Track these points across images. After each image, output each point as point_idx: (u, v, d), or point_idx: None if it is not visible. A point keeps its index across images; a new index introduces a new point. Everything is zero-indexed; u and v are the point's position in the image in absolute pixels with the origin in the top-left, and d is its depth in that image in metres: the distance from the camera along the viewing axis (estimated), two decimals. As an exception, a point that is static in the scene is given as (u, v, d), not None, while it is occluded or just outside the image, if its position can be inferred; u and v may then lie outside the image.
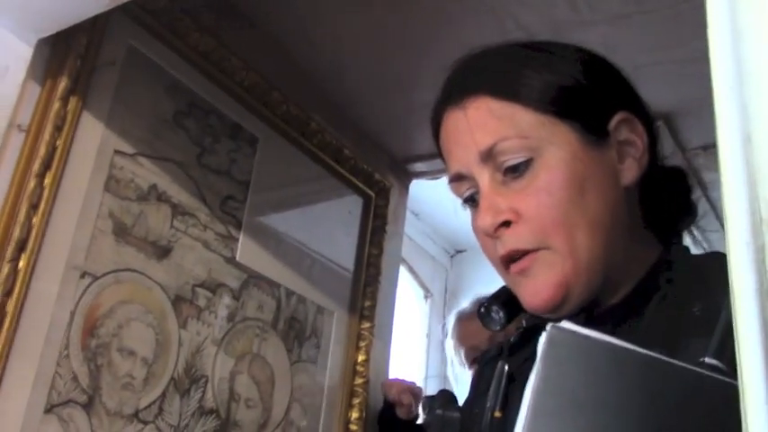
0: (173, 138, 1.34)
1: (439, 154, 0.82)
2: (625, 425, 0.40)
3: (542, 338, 0.43)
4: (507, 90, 0.71)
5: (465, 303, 1.97)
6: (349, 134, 1.78)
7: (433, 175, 2.02)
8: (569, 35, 0.87)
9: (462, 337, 1.90)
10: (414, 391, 1.71)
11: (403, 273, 2.54)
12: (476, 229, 0.75)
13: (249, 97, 1.50)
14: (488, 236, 0.71)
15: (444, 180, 2.19)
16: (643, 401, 0.41)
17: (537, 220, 0.68)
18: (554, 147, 0.69)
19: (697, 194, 0.83)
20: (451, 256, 3.00)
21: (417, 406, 1.72)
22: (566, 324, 0.43)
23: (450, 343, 1.94)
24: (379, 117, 1.79)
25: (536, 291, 0.69)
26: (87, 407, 1.13)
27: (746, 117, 0.29)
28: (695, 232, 0.78)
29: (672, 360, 0.43)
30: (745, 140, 0.29)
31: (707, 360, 0.45)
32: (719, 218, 0.84)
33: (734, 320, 0.28)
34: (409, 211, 2.29)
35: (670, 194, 0.77)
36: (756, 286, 0.28)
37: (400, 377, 1.82)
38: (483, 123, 0.71)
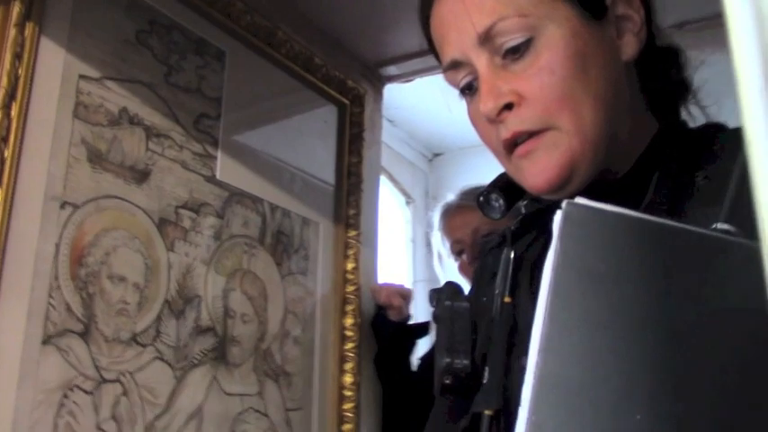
0: (138, 58, 1.30)
1: (429, 45, 0.79)
2: (646, 295, 0.41)
3: (557, 216, 0.42)
4: None
5: (450, 196, 1.97)
6: (318, 42, 1.73)
7: (406, 77, 1.98)
8: None
9: (449, 229, 1.90)
10: (403, 293, 1.73)
11: (383, 181, 2.53)
12: (475, 116, 0.74)
13: (212, 10, 1.44)
14: (490, 121, 0.70)
15: (417, 82, 2.15)
16: (662, 271, 0.41)
17: (541, 101, 0.67)
18: (554, 24, 0.68)
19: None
20: (430, 160, 3.00)
21: (408, 307, 1.74)
22: (579, 200, 0.43)
23: (436, 235, 1.95)
24: (347, 21, 1.74)
25: (541, 170, 0.68)
26: (84, 335, 1.13)
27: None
28: (692, 108, 0.78)
29: (687, 226, 0.43)
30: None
31: (719, 226, 0.45)
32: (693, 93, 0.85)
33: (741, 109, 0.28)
34: (384, 118, 2.26)
35: (667, 70, 0.77)
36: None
37: (389, 282, 1.84)
38: (480, 4, 0.69)
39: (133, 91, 1.28)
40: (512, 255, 0.76)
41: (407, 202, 2.90)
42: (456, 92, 0.78)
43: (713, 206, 0.55)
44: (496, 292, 0.76)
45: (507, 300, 0.74)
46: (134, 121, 1.27)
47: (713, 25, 1.58)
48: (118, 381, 1.17)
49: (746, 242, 0.45)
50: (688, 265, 0.44)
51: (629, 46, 0.72)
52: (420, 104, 2.49)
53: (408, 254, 2.85)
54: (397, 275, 2.71)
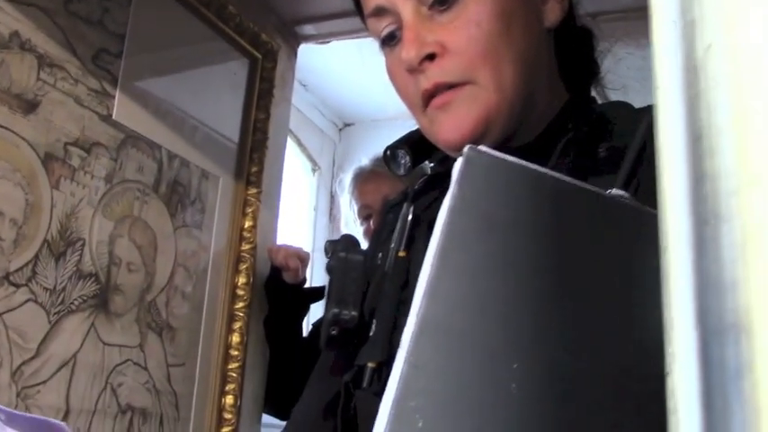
0: (35, -21, 1.21)
1: None
2: (536, 245, 0.40)
3: (459, 160, 0.41)
4: None
5: (365, 160, 1.95)
6: (234, -11, 1.66)
7: (322, 38, 1.94)
8: None
9: (359, 193, 1.89)
10: (300, 255, 1.70)
11: (291, 146, 2.49)
12: (394, 66, 0.73)
13: (122, -61, 1.37)
14: (411, 71, 0.69)
15: (334, 49, 2.11)
16: (554, 224, 0.40)
17: (465, 53, 0.67)
18: None
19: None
20: (340, 130, 2.97)
21: (304, 270, 1.72)
22: (482, 147, 0.42)
23: (346, 198, 1.93)
24: (266, -28, 1.68)
25: (457, 125, 0.68)
26: (-49, 269, 1.05)
27: None
28: (597, 89, 0.81)
29: (583, 184, 0.43)
30: None
31: (613, 192, 0.45)
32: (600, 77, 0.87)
33: (655, 112, 0.27)
34: (298, 81, 2.21)
35: (582, 47, 0.79)
36: (683, 63, 0.26)
37: (287, 243, 1.81)
38: None
39: (27, 14, 1.19)
40: (410, 211, 0.75)
41: (313, 170, 2.86)
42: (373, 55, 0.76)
43: (611, 175, 0.57)
44: (392, 246, 0.75)
45: (402, 254, 0.74)
46: (26, 46, 1.18)
47: (627, 18, 1.62)
48: (-15, 320, 1.10)
49: (637, 205, 0.45)
50: (579, 222, 0.44)
51: (552, 12, 0.73)
52: (335, 71, 2.46)
53: (310, 222, 2.81)
54: (297, 242, 2.67)
